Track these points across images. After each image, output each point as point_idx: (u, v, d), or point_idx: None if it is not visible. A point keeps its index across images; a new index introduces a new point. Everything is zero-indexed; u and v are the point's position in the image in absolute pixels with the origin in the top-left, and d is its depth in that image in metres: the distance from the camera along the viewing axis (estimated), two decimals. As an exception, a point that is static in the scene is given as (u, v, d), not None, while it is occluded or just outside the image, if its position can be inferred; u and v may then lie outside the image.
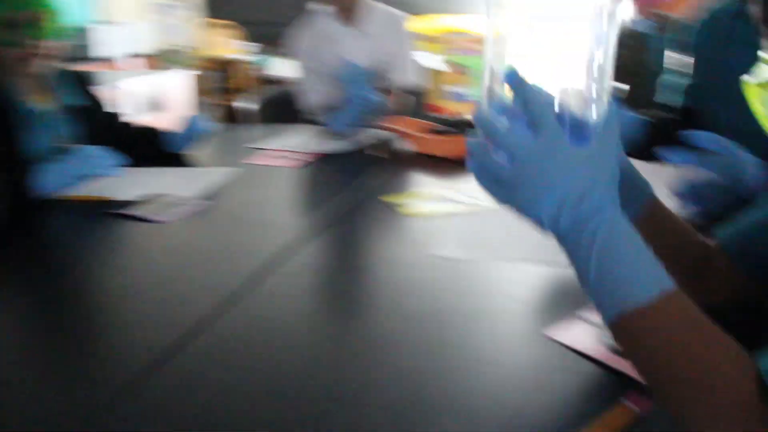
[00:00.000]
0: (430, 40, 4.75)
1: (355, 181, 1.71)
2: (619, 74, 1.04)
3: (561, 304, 1.02)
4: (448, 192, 1.58)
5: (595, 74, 0.62)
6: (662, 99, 1.79)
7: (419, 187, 1.66)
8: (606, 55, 0.62)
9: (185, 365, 0.86)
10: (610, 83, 0.63)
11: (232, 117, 4.12)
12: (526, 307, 1.03)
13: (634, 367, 0.64)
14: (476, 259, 1.20)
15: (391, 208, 1.48)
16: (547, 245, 0.66)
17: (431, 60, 4.36)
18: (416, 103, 2.51)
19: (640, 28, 2.16)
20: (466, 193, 1.56)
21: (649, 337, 0.61)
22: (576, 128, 0.62)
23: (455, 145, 1.94)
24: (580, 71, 0.62)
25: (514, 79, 0.62)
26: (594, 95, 0.62)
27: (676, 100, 1.69)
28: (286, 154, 2.01)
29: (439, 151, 1.96)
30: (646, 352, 0.62)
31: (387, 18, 2.44)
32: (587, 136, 0.61)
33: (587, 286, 0.62)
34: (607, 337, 0.89)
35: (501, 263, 1.19)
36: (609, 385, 0.81)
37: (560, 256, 0.62)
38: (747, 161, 1.19)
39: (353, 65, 2.17)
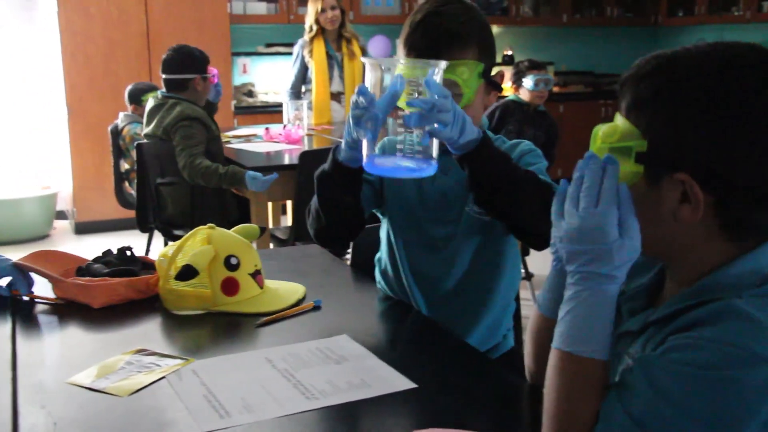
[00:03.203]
0: None
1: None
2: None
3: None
4: (136, 355, 1.39)
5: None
6: None
7: (98, 356, 1.39)
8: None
9: None
10: None
11: None
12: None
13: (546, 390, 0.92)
14: (261, 417, 1.15)
15: (100, 392, 1.25)
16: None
17: None
18: None
19: None
20: (159, 354, 1.40)
21: (565, 376, 0.89)
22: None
23: (111, 289, 1.59)
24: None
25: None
26: None
27: None
28: None
29: (83, 297, 1.58)
30: (554, 383, 0.90)
31: None
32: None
33: (560, 315, 0.91)
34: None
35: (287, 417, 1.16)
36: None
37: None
38: None
39: None
